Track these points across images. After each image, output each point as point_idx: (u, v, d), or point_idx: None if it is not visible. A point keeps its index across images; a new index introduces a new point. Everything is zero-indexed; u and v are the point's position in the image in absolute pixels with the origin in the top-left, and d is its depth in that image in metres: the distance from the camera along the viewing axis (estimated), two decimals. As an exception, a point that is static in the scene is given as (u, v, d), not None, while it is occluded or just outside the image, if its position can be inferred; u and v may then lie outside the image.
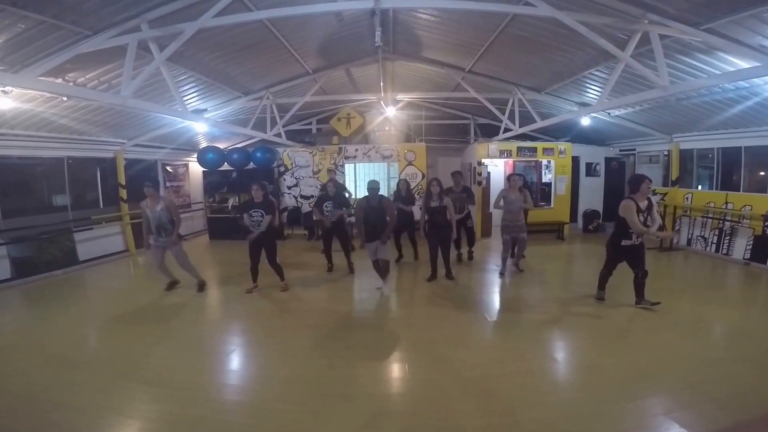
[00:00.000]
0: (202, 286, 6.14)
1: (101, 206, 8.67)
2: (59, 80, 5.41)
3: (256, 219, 5.72)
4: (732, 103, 6.21)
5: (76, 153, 8.01)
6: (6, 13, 3.95)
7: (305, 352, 4.10)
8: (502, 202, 6.43)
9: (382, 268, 5.67)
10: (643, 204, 4.62)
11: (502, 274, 6.54)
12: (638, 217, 4.57)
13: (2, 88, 5.15)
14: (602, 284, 5.23)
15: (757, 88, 5.48)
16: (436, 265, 6.32)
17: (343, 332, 4.59)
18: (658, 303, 4.90)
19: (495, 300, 5.74)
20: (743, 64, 4.58)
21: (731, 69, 4.89)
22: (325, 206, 6.89)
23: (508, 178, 6.64)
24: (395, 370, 3.83)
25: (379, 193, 5.65)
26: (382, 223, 5.50)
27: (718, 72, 5.10)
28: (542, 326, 4.65)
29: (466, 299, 5.61)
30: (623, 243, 4.74)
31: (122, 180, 9.02)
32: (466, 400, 3.25)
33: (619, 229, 4.75)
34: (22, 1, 3.88)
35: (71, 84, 5.70)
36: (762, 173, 7.31)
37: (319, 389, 3.44)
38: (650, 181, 4.60)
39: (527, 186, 7.72)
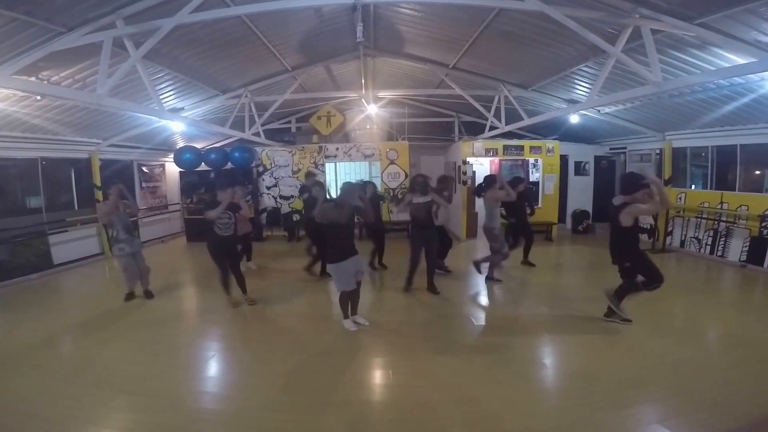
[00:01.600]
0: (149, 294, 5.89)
1: (76, 208, 8.51)
2: (33, 78, 5.28)
3: (224, 222, 5.30)
4: (727, 100, 6.19)
5: (51, 154, 7.85)
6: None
7: (284, 359, 4.05)
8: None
9: (355, 300, 4.76)
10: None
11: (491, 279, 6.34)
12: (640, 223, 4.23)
13: None
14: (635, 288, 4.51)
15: (753, 84, 5.45)
16: (414, 273, 5.78)
17: (324, 338, 4.51)
18: (630, 321, 4.59)
19: (480, 304, 5.65)
20: (738, 59, 4.56)
21: (726, 65, 4.87)
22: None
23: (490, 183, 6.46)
24: (377, 377, 3.77)
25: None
26: (351, 235, 4.57)
27: (712, 68, 5.08)
28: (530, 331, 4.59)
29: (449, 303, 5.51)
30: (641, 246, 4.34)
31: (97, 181, 8.82)
32: (449, 408, 3.19)
33: (633, 239, 4.30)
34: None
35: (45, 82, 5.54)
36: (758, 172, 7.29)
37: (299, 397, 3.37)
38: (648, 187, 4.09)
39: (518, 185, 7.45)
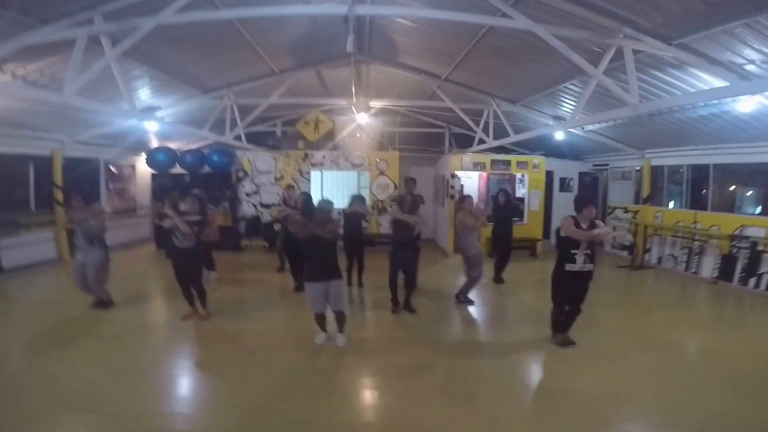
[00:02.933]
0: (104, 304, 5.66)
1: (33, 209, 8.10)
2: None
3: (182, 232, 5.05)
4: (702, 120, 6.70)
5: (8, 149, 7.47)
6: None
7: (259, 378, 3.93)
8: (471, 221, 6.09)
9: (336, 320, 4.65)
10: (585, 226, 4.37)
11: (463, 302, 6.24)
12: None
13: None
14: (558, 326, 4.66)
15: (726, 105, 5.92)
16: (396, 292, 5.76)
17: (303, 356, 4.42)
18: (574, 344, 4.63)
19: (459, 324, 5.66)
20: (713, 81, 4.96)
21: (703, 85, 5.28)
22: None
23: (462, 200, 6.38)
24: (357, 397, 3.75)
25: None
26: (330, 254, 4.36)
27: (689, 88, 5.49)
28: (508, 349, 4.66)
29: (428, 322, 5.49)
30: (567, 268, 4.36)
31: (58, 180, 8.45)
32: (431, 429, 3.21)
33: (562, 252, 4.46)
34: None
35: (9, 75, 5.32)
36: (730, 190, 7.90)
37: (275, 418, 3.30)
38: (594, 208, 4.45)
39: (509, 199, 7.73)
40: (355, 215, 6.71)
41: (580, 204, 4.48)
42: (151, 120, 7.18)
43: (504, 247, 7.38)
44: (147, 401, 3.50)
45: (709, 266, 7.85)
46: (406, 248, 5.56)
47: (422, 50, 7.34)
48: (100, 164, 9.91)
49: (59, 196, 8.43)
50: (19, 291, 6.72)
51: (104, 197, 9.94)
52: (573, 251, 4.32)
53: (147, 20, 4.46)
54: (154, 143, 10.77)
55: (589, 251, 4.34)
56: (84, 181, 8.89)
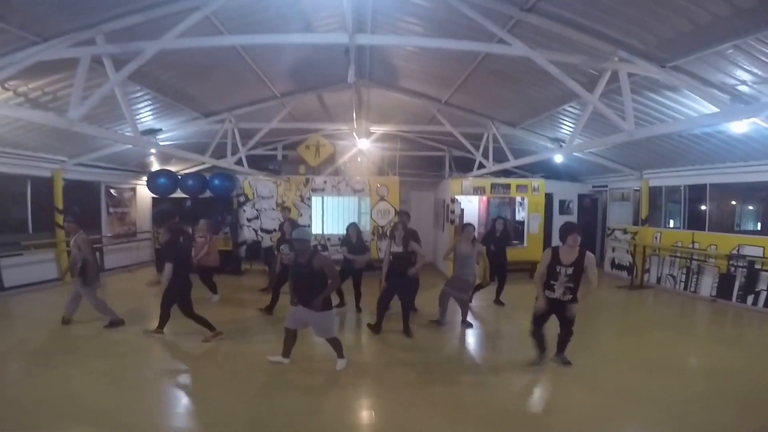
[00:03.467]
0: (117, 323, 5.71)
1: (30, 231, 8.00)
2: None
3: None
4: (697, 140, 6.80)
5: (8, 169, 7.45)
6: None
7: (257, 397, 3.91)
8: (452, 255, 6.04)
9: (333, 346, 4.52)
10: (569, 258, 4.20)
11: (439, 323, 6.05)
12: (559, 270, 4.19)
13: None
14: (539, 344, 4.57)
15: (720, 125, 5.92)
16: (383, 315, 5.68)
17: (302, 376, 4.35)
18: (570, 364, 4.56)
19: (457, 346, 5.59)
20: (707, 103, 5.02)
21: (697, 106, 5.38)
22: (282, 248, 6.68)
23: (463, 228, 6.27)
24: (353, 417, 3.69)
25: (313, 245, 4.58)
26: (314, 286, 4.26)
27: (684, 109, 5.59)
28: (502, 368, 4.63)
29: (418, 347, 5.32)
30: (546, 293, 4.31)
31: (59, 203, 8.39)
32: None
33: (544, 279, 4.35)
34: None
35: (11, 93, 5.37)
36: (727, 210, 7.95)
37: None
38: (579, 235, 4.24)
39: (506, 228, 7.76)
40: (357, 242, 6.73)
41: (564, 233, 4.30)
42: (153, 147, 7.25)
43: (501, 271, 7.32)
44: (149, 416, 3.58)
45: (707, 285, 7.88)
46: (400, 278, 5.54)
47: (422, 74, 7.50)
48: (101, 187, 9.88)
49: (59, 219, 8.36)
50: (19, 308, 6.81)
51: (105, 221, 9.87)
52: (552, 282, 4.25)
53: (150, 44, 4.50)
54: (154, 165, 10.80)
55: (571, 285, 4.20)
56: (76, 203, 8.85)
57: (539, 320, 4.49)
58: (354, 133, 10.19)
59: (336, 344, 4.48)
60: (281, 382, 4.19)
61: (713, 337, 6.11)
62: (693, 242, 8.17)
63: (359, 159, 11.53)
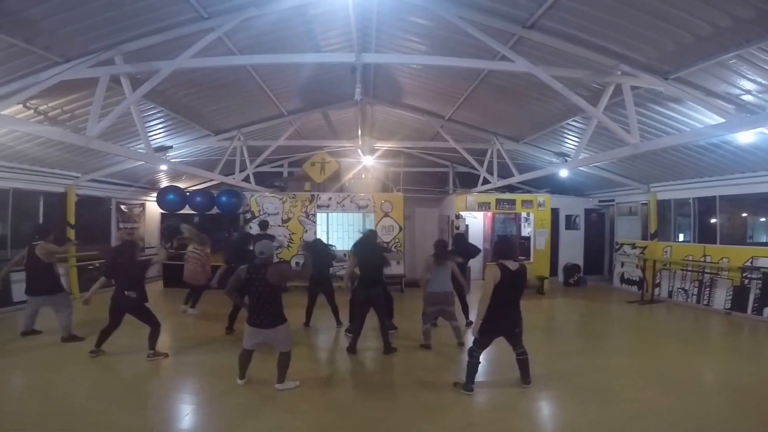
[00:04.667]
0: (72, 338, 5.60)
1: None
2: (19, 106, 5.28)
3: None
4: (705, 152, 6.80)
5: (24, 185, 7.62)
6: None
7: (261, 416, 3.78)
8: (429, 275, 5.62)
9: (279, 362, 4.22)
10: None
11: (426, 347, 5.60)
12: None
13: None
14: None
15: (727, 135, 5.95)
16: (359, 331, 5.42)
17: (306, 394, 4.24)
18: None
19: (454, 363, 5.25)
20: (712, 113, 5.05)
21: (702, 117, 5.40)
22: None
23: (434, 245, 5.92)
24: None
25: (275, 258, 4.51)
26: (271, 302, 4.06)
27: (689, 120, 5.62)
28: (515, 383, 4.46)
29: (411, 364, 5.12)
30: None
31: (71, 218, 8.52)
32: None
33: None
34: None
35: (32, 111, 5.57)
36: (738, 222, 7.86)
37: None
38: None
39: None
40: (323, 256, 6.46)
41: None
42: (165, 164, 7.40)
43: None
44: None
45: (721, 298, 7.74)
46: (369, 288, 5.32)
47: (425, 91, 7.64)
48: (112, 203, 10.06)
49: (72, 234, 8.48)
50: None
51: (114, 236, 9.98)
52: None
53: (166, 64, 4.68)
54: (163, 181, 10.99)
55: None
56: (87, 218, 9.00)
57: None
58: (359, 150, 10.33)
59: (286, 361, 4.21)
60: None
61: (729, 350, 5.96)
62: (704, 255, 8.06)
63: (364, 175, 11.63)
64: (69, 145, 6.88)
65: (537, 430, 3.73)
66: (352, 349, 5.39)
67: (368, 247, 5.67)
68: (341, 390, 4.45)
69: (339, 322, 6.63)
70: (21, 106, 5.34)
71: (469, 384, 4.15)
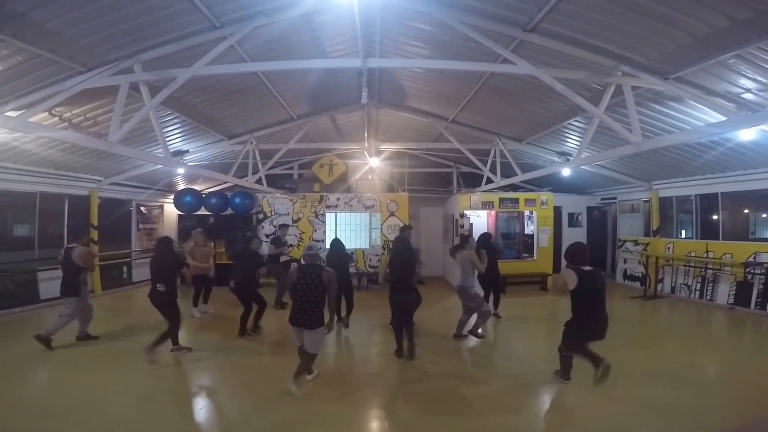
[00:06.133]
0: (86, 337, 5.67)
1: (65, 245, 8.23)
2: (45, 113, 5.39)
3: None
4: (706, 149, 6.68)
5: (50, 189, 7.80)
6: (5, 44, 4.02)
7: (275, 409, 3.84)
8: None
9: (303, 362, 4.22)
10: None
11: (479, 335, 5.78)
12: None
13: None
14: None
15: (728, 133, 5.87)
16: (402, 337, 5.18)
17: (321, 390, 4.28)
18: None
19: (467, 360, 5.32)
20: (712, 111, 5.00)
21: (703, 115, 5.32)
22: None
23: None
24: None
25: (318, 263, 4.26)
26: (315, 303, 4.05)
27: (690, 119, 5.54)
28: (515, 379, 4.50)
29: (433, 362, 5.09)
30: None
31: (95, 220, 8.71)
32: None
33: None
34: (23, 32, 3.95)
35: (57, 118, 5.70)
36: (741, 219, 7.71)
37: None
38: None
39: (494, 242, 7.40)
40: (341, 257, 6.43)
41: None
42: (182, 168, 7.52)
43: (497, 282, 7.14)
44: (169, 426, 3.58)
45: (724, 293, 7.62)
46: (401, 295, 5.14)
47: (429, 94, 7.63)
48: (133, 205, 10.22)
49: (95, 235, 8.66)
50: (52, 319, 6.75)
51: (134, 236, 10.14)
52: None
53: (182, 71, 4.74)
54: (180, 184, 11.15)
55: None
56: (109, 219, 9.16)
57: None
58: (365, 152, 10.36)
59: (310, 361, 4.24)
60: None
61: (732, 344, 5.87)
62: (707, 251, 7.94)
63: (370, 177, 11.66)
64: (92, 150, 7.10)
65: (537, 423, 3.71)
66: (399, 353, 5.17)
67: (401, 247, 5.37)
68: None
69: (341, 318, 6.49)
70: (47, 113, 5.46)
71: (565, 374, 4.32)
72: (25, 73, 4.57)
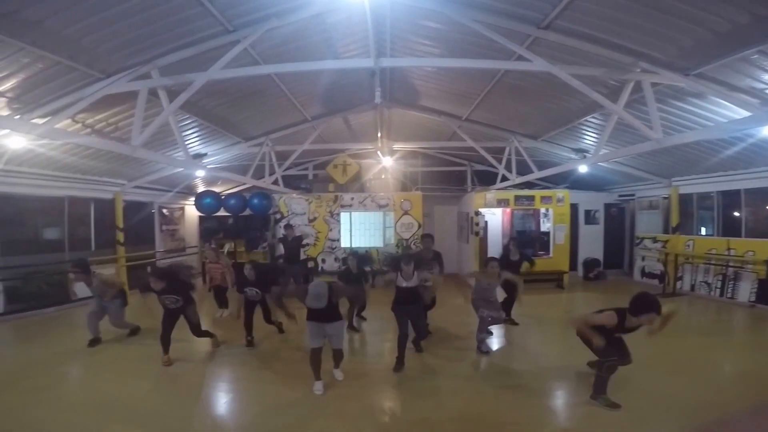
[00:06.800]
0: (135, 331, 5.90)
1: (93, 248, 8.46)
2: (68, 120, 5.49)
3: (169, 303, 4.78)
4: (728, 145, 6.35)
5: (77, 193, 8.01)
6: (25, 52, 4.08)
7: (298, 401, 3.91)
8: (473, 282, 5.48)
9: (334, 357, 4.30)
10: (631, 327, 3.64)
11: (485, 352, 5.23)
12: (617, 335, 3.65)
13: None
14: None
15: (752, 129, 5.58)
16: (404, 349, 4.74)
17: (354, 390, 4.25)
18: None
19: (484, 360, 5.08)
20: (735, 107, 4.72)
21: (725, 111, 5.04)
22: (247, 291, 5.52)
23: (486, 263, 5.57)
24: None
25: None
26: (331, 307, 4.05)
27: (712, 115, 5.25)
28: (534, 373, 4.44)
29: (441, 361, 4.99)
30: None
31: (120, 222, 8.90)
32: None
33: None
34: (42, 40, 4.01)
35: (80, 124, 5.81)
36: (764, 216, 7.31)
37: None
38: (657, 315, 3.54)
39: (522, 250, 6.94)
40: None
41: (642, 308, 3.53)
42: (202, 170, 7.60)
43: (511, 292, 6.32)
44: (197, 421, 3.66)
45: (745, 291, 7.28)
46: (409, 306, 4.84)
47: (442, 93, 7.47)
48: (155, 207, 10.40)
49: (120, 237, 8.87)
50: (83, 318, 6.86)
51: (158, 237, 10.32)
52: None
53: (198, 75, 4.74)
54: (200, 186, 11.30)
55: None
56: (133, 221, 9.31)
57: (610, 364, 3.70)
58: (378, 152, 10.27)
59: (341, 356, 4.33)
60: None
61: (753, 342, 5.61)
62: (729, 249, 7.58)
63: (383, 176, 11.58)
64: (115, 155, 7.20)
65: (557, 420, 3.64)
66: (398, 366, 4.70)
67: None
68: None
69: (354, 324, 6.33)
70: (70, 120, 5.55)
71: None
72: (46, 81, 4.65)
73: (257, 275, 5.49)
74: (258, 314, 5.65)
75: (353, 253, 6.39)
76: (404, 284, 4.73)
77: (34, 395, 3.99)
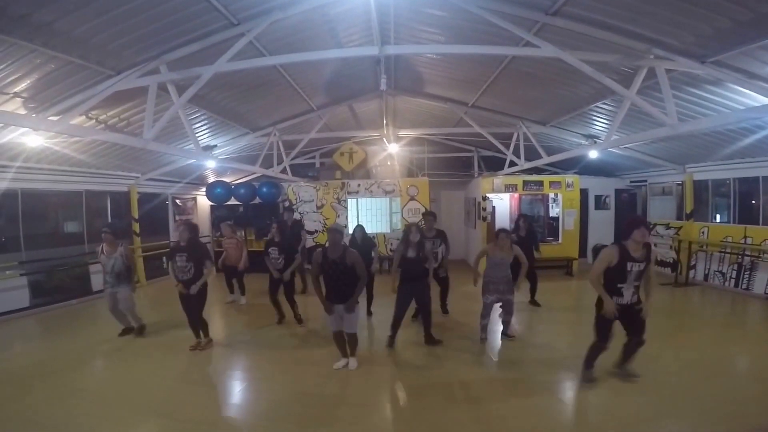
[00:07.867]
0: (141, 330, 5.79)
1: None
2: (82, 117, 5.61)
3: (180, 265, 4.88)
4: (746, 133, 6.13)
5: (94, 187, 8.25)
6: (38, 53, 4.17)
7: (314, 390, 4.04)
8: (483, 262, 5.33)
9: (348, 342, 4.43)
10: (638, 254, 3.59)
11: (483, 339, 5.25)
12: (630, 269, 3.57)
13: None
14: (590, 360, 3.97)
15: (768, 116, 5.41)
16: (398, 327, 4.99)
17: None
18: (638, 376, 4.00)
19: (492, 349, 5.10)
20: (753, 94, 4.54)
21: (743, 99, 4.85)
22: (271, 251, 5.94)
23: (496, 234, 5.36)
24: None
25: (343, 243, 4.25)
26: (346, 283, 4.18)
27: (729, 102, 5.07)
28: (547, 366, 4.45)
29: (446, 355, 4.90)
30: (615, 301, 3.66)
31: (135, 214, 9.15)
32: None
33: (606, 284, 3.70)
34: (53, 41, 4.08)
35: (93, 120, 5.93)
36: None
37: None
38: (646, 229, 3.59)
39: (531, 227, 6.93)
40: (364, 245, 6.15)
41: (630, 227, 3.59)
42: (212, 160, 7.74)
43: (530, 272, 6.30)
44: (215, 409, 3.81)
45: (762, 281, 7.07)
46: (415, 282, 4.96)
47: (448, 80, 7.34)
48: (169, 198, 10.62)
49: (136, 227, 9.10)
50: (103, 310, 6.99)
51: (172, 227, 10.57)
52: (619, 285, 3.62)
53: (206, 69, 4.77)
54: (211, 177, 11.47)
55: (638, 284, 3.66)
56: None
57: (606, 332, 3.77)
58: (384, 139, 10.23)
59: (353, 342, 4.44)
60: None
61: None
62: (745, 237, 7.37)
63: (389, 162, 11.56)
64: (129, 149, 7.37)
65: (565, 412, 3.66)
66: (390, 341, 5.03)
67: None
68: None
69: (369, 313, 6.45)
70: (84, 117, 5.69)
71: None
72: (59, 80, 4.74)
73: (281, 236, 5.88)
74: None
75: (360, 226, 6.43)
76: (410, 254, 4.90)
77: (69, 386, 4.16)
